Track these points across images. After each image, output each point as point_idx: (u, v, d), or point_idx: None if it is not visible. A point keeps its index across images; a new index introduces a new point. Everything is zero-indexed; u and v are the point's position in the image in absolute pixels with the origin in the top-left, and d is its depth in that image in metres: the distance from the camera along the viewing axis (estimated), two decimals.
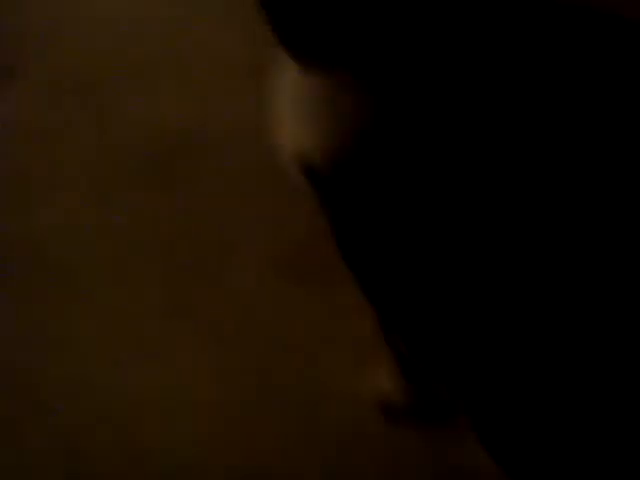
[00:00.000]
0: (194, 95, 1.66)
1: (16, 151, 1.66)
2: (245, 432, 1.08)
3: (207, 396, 1.12)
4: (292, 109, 0.66)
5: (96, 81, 1.81)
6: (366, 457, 1.02)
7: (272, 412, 1.09)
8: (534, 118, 0.62)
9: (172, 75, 1.76)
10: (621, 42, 0.66)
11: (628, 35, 0.67)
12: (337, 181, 0.66)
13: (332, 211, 0.70)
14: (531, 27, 0.65)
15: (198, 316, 1.21)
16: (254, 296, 1.21)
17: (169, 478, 1.06)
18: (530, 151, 0.62)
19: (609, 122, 0.63)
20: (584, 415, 0.71)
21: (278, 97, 0.69)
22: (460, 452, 0.96)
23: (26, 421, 1.16)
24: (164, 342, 1.19)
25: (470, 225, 0.65)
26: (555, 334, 0.70)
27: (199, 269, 1.28)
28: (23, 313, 1.28)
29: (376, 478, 1.01)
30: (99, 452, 1.11)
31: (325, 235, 0.79)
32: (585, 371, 0.70)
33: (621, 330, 0.68)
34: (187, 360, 1.16)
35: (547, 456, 0.75)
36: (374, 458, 1.02)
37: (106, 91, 1.77)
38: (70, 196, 1.49)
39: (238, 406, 1.10)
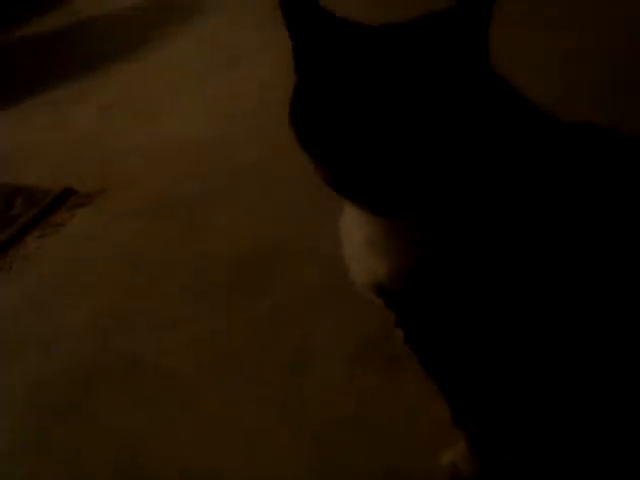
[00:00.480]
0: (274, 209, 1.83)
1: (107, 260, 1.83)
2: None
3: None
4: (364, 244, 0.79)
5: (179, 198, 1.99)
6: None
7: None
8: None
9: (253, 189, 1.94)
10: None
11: None
12: (405, 295, 0.79)
13: (403, 317, 0.83)
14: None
15: (291, 412, 1.30)
16: (337, 387, 1.31)
17: None
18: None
19: None
20: None
21: (348, 231, 0.82)
22: None
23: None
24: (260, 442, 1.27)
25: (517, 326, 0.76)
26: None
27: (284, 367, 1.39)
28: (121, 419, 1.39)
29: None
30: None
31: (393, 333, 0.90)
32: None
33: None
34: (284, 454, 1.24)
35: None
36: None
37: (190, 207, 1.95)
38: (162, 302, 1.65)
39: None
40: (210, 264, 1.71)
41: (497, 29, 0.75)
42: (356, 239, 0.80)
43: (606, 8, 2.30)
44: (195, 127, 2.41)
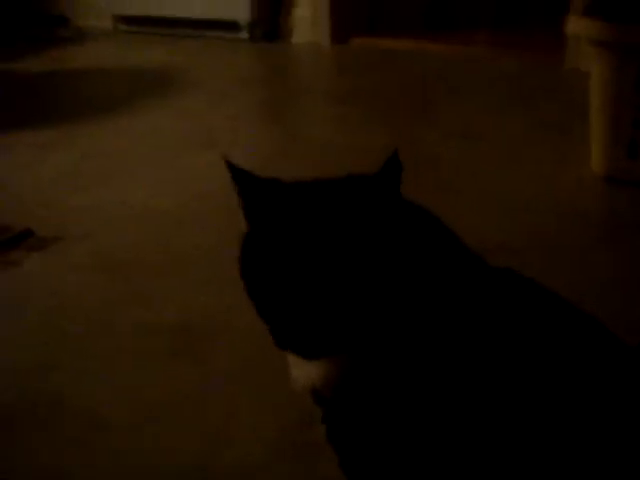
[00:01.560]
0: (218, 288, 1.95)
1: (52, 320, 1.88)
2: None
3: None
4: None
5: (129, 262, 2.12)
6: None
7: None
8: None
9: (200, 268, 2.08)
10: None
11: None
12: (335, 400, 0.93)
13: (330, 418, 0.96)
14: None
15: None
16: (256, 471, 1.38)
17: None
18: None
19: None
20: None
21: None
22: None
23: None
24: None
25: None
26: None
27: (204, 443, 1.46)
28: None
29: None
30: None
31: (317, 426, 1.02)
32: None
33: None
34: None
35: None
36: None
37: (139, 272, 2.07)
38: (93, 354, 1.72)
39: None
40: (146, 328, 1.80)
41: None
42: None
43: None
44: (157, 199, 2.55)
